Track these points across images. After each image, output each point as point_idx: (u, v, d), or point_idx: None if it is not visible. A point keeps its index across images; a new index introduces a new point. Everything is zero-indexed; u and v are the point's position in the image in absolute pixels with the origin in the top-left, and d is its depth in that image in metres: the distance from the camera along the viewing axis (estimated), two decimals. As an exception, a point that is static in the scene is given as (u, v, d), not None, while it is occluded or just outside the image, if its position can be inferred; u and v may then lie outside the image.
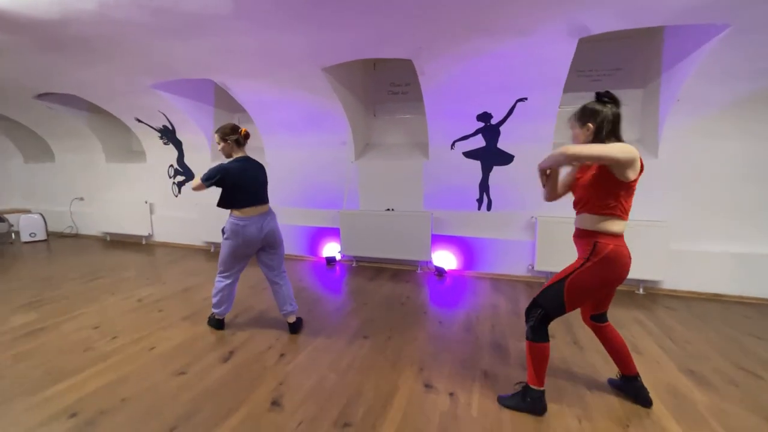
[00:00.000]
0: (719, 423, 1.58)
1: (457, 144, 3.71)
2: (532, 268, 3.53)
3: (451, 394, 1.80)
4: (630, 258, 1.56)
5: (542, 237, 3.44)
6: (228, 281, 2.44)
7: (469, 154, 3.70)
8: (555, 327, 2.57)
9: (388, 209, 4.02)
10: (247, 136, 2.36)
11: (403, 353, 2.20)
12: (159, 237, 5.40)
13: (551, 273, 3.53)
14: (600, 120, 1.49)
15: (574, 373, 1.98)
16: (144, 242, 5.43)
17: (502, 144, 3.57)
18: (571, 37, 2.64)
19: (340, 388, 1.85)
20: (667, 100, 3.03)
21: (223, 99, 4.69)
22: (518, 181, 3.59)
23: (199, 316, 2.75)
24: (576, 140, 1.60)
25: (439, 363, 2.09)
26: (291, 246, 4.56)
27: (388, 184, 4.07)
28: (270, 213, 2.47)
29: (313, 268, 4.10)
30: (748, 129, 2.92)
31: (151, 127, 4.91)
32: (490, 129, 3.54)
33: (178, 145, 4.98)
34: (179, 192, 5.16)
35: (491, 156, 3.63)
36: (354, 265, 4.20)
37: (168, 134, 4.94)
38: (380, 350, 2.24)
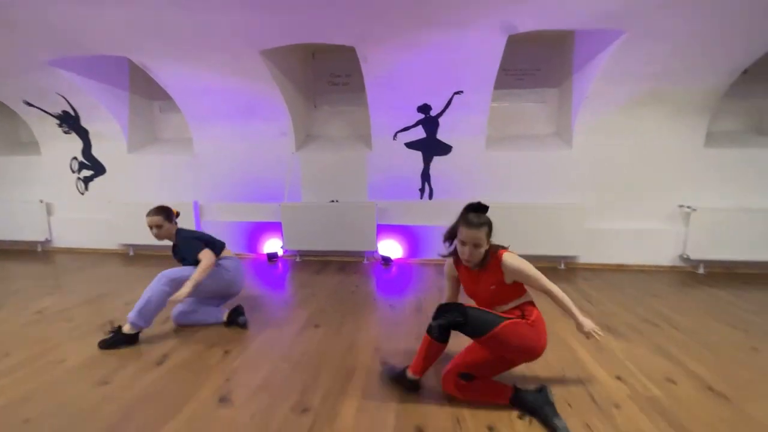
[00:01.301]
0: (633, 363, 1.85)
1: (399, 135, 3.80)
2: (472, 251, 3.75)
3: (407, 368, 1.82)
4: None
5: (480, 222, 3.68)
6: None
7: (410, 145, 3.81)
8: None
9: (333, 201, 3.96)
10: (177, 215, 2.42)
11: (357, 337, 2.18)
12: (61, 242, 4.61)
13: (488, 255, 3.79)
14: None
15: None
16: (40, 249, 4.59)
17: (441, 135, 3.75)
18: (502, 34, 2.88)
19: (294, 377, 1.76)
20: (578, 97, 3.45)
21: (140, 83, 4.18)
22: (456, 170, 3.80)
23: (121, 322, 2.40)
24: (479, 255, 1.50)
25: (394, 342, 2.11)
26: (227, 244, 4.23)
27: (332, 175, 4.01)
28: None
29: (253, 265, 3.85)
30: (641, 125, 3.46)
31: (47, 112, 4.18)
32: (429, 120, 3.69)
33: (84, 134, 4.32)
34: (86, 189, 4.47)
35: (431, 146, 3.79)
36: (298, 260, 4.05)
37: (70, 122, 4.24)
38: (334, 336, 2.19)
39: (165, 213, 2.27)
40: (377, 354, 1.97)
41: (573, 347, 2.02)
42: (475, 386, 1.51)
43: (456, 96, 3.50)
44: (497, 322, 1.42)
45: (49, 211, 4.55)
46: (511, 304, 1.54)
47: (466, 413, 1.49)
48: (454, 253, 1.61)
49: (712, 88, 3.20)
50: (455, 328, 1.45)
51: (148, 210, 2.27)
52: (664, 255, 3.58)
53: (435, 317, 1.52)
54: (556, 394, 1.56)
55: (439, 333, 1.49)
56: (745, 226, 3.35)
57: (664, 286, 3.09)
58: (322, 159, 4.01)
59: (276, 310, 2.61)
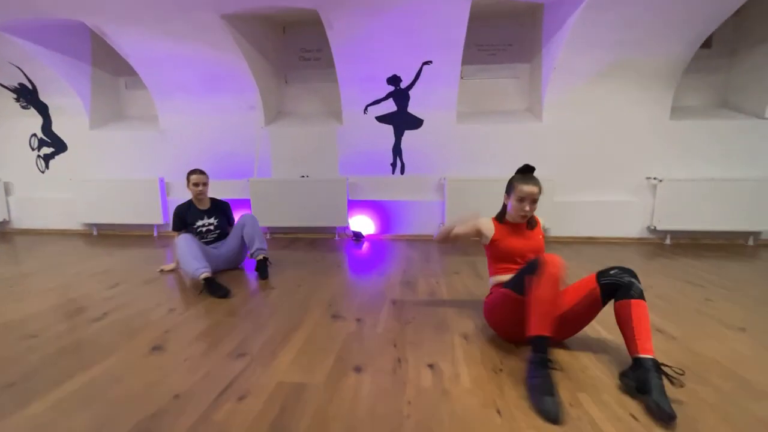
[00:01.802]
0: (597, 322, 1.82)
1: (369, 108, 3.74)
2: (442, 225, 3.72)
3: (358, 320, 1.77)
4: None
5: (451, 197, 3.64)
6: None
7: (381, 119, 3.76)
8: (461, 265, 2.74)
9: (303, 176, 3.88)
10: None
11: (312, 296, 2.11)
12: (20, 223, 4.42)
13: (460, 230, 3.76)
14: None
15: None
16: (-3, 230, 4.39)
17: (412, 109, 3.70)
18: (465, -3, 2.84)
19: (238, 329, 1.69)
20: (548, 71, 3.45)
21: (103, 56, 4.03)
22: (428, 144, 3.76)
23: (70, 287, 2.29)
24: (536, 202, 1.56)
25: (349, 300, 2.05)
26: (195, 222, 4.11)
27: (302, 150, 3.93)
28: None
29: (220, 242, 3.74)
30: (608, 98, 3.47)
31: (2, 85, 4.00)
32: (400, 93, 3.64)
33: (43, 109, 4.14)
34: (47, 167, 4.29)
35: (402, 120, 3.74)
36: (268, 236, 3.95)
37: (27, 96, 4.07)
38: (288, 296, 2.12)
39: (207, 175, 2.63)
40: (329, 310, 1.91)
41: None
42: None
43: (425, 67, 3.46)
44: None
45: (7, 190, 4.35)
46: None
47: (408, 354, 1.44)
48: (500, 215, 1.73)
49: (676, 58, 3.23)
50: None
51: (192, 169, 2.63)
52: (632, 227, 3.60)
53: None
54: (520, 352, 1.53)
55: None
56: (709, 197, 3.39)
57: (632, 255, 3.10)
58: (292, 134, 3.92)
59: (234, 279, 2.52)
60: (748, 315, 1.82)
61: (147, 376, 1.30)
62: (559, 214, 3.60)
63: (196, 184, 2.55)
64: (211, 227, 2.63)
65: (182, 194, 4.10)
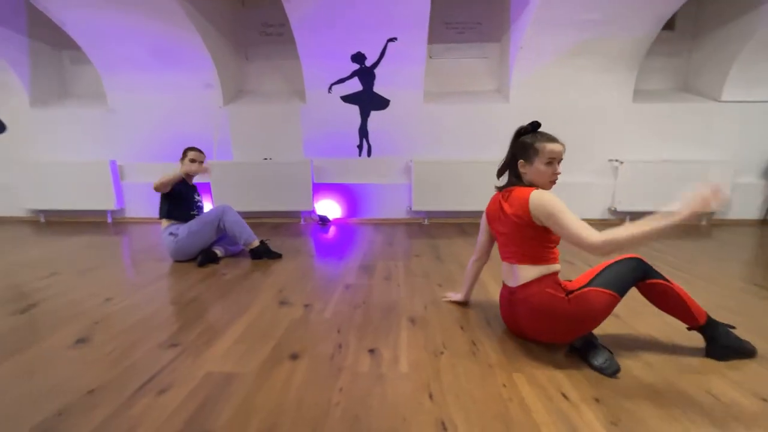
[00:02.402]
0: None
1: (334, 87, 3.59)
2: (410, 209, 3.68)
3: (306, 306, 1.71)
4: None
5: (418, 179, 3.59)
6: None
7: (347, 98, 3.62)
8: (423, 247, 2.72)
9: (266, 158, 3.73)
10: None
11: (263, 282, 2.03)
12: (-43, 210, 4.08)
13: (428, 212, 3.74)
14: None
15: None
16: (-68, 218, 4.05)
17: (379, 88, 3.58)
18: (427, -31, 2.71)
19: (176, 318, 1.60)
20: (515, 50, 3.39)
21: (43, 28, 3.68)
22: (395, 126, 3.66)
23: (0, 277, 2.12)
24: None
25: (301, 285, 1.99)
26: (151, 208, 3.91)
27: (264, 131, 3.76)
28: None
29: (179, 228, 3.57)
30: (573, 79, 3.46)
31: (-76, 56, 3.60)
32: (365, 71, 3.51)
33: (-25, 85, 3.77)
34: (-16, 148, 3.94)
35: (368, 100, 3.62)
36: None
37: (-45, 69, 3.68)
38: (238, 282, 2.03)
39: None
40: (279, 296, 1.84)
41: (484, 281, 1.99)
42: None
43: (390, 44, 3.34)
44: None
45: (-61, 174, 3.99)
46: None
47: (351, 339, 1.40)
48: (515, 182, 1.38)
49: (639, 39, 3.23)
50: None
51: (190, 146, 2.54)
52: (595, 208, 3.67)
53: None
54: (455, 316, 1.50)
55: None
56: (667, 179, 3.48)
57: (590, 236, 3.16)
58: (253, 114, 3.74)
59: (184, 266, 2.40)
60: (695, 293, 1.86)
61: (62, 371, 1.21)
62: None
63: (193, 160, 2.44)
64: (200, 204, 2.57)
65: (137, 178, 3.88)
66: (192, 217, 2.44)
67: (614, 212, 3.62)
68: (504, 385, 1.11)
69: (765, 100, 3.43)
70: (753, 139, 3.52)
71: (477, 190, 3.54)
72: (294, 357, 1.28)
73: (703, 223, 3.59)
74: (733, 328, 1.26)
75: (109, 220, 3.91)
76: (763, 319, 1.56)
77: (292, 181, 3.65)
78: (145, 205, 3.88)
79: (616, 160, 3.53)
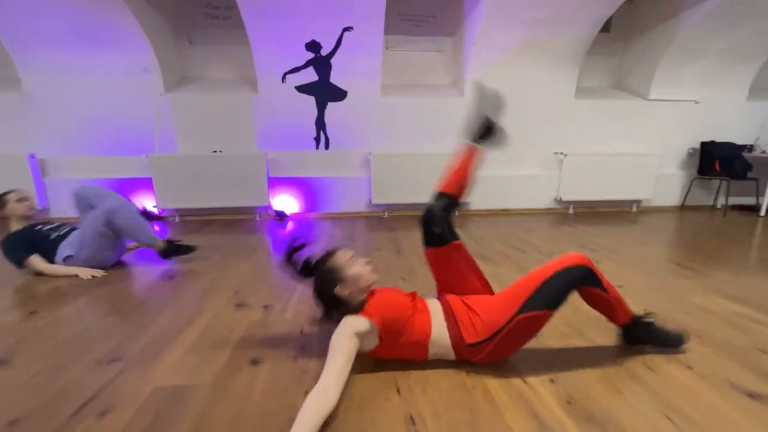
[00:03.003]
0: (494, 281, 1.90)
1: (288, 77, 3.44)
2: (370, 202, 3.67)
3: (265, 307, 1.64)
4: None
5: (377, 172, 3.58)
6: None
7: (302, 89, 3.49)
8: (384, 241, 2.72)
9: (215, 151, 3.49)
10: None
11: (218, 284, 1.91)
12: None
13: (387, 205, 3.74)
14: None
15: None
16: None
17: (335, 79, 3.49)
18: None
19: (116, 330, 1.45)
20: (470, 46, 3.46)
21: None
22: (353, 118, 3.60)
23: None
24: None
25: (260, 285, 1.90)
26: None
27: (213, 121, 3.51)
28: None
29: (117, 228, 3.24)
30: (521, 76, 3.62)
31: None
32: (320, 61, 3.40)
33: None
34: None
35: (325, 91, 3.52)
36: (177, 220, 3.54)
37: None
38: (188, 286, 1.89)
39: None
40: (235, 298, 1.74)
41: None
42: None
43: (346, 33, 3.25)
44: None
45: None
46: None
47: (314, 340, 1.36)
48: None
49: (580, 39, 3.45)
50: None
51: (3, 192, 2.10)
52: (542, 198, 3.91)
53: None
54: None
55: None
56: (603, 171, 3.80)
57: (539, 224, 3.37)
58: (199, 102, 3.47)
59: (123, 270, 2.19)
60: (626, 273, 2.06)
61: (-24, 401, 1.04)
62: (478, 188, 3.75)
63: (22, 199, 2.08)
64: (52, 227, 2.14)
65: (63, 173, 3.46)
66: (56, 243, 2.06)
67: (560, 202, 3.89)
68: (467, 374, 1.15)
69: (683, 99, 3.84)
70: (674, 135, 3.95)
71: (435, 182, 3.60)
72: (254, 362, 1.22)
73: (634, 210, 3.98)
74: (652, 314, 1.30)
75: (30, 221, 3.44)
76: (685, 295, 1.76)
77: (246, 176, 3.46)
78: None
79: (561, 153, 3.78)
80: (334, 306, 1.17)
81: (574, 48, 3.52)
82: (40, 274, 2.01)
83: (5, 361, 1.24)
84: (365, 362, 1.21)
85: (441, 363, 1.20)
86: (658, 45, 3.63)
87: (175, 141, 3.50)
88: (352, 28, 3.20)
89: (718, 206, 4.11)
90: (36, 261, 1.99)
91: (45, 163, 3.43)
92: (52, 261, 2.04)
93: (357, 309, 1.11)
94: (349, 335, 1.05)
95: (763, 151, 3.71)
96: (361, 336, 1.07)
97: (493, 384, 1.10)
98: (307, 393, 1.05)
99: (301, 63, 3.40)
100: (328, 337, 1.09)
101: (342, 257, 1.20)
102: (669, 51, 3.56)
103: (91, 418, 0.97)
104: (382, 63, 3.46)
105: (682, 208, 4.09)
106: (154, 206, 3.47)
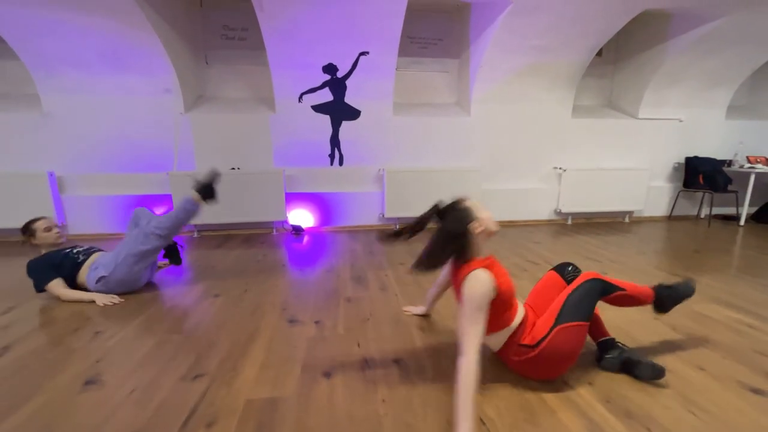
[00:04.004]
0: (518, 294, 2.10)
1: (304, 97, 3.59)
2: (383, 216, 3.83)
3: (317, 322, 1.78)
4: None
5: (390, 187, 3.75)
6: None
7: (317, 108, 3.65)
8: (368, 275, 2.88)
9: (233, 168, 3.60)
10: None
11: (262, 301, 2.04)
12: None
13: (400, 219, 3.92)
14: None
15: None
16: None
17: (349, 99, 3.66)
18: (402, -8, 2.87)
19: (186, 347, 1.56)
20: (475, 68, 3.70)
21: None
22: (366, 135, 3.78)
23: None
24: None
25: (302, 301, 2.03)
26: (97, 223, 3.56)
27: (231, 140, 3.62)
28: None
29: (138, 244, 3.31)
30: (523, 96, 3.88)
31: None
32: (336, 82, 3.56)
33: None
34: None
35: (340, 110, 3.68)
36: (196, 235, 3.62)
37: None
38: (235, 303, 2.01)
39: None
40: (284, 314, 1.87)
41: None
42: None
43: (362, 57, 3.43)
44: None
45: None
46: None
47: (373, 351, 1.51)
48: None
49: (577, 64, 3.73)
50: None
51: (29, 221, 2.15)
52: (543, 210, 4.16)
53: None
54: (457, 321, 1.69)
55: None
56: (599, 184, 4.07)
57: (543, 235, 3.60)
58: (218, 122, 3.58)
59: (166, 286, 2.29)
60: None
61: (86, 418, 1.15)
62: (486, 201, 3.97)
63: (49, 228, 2.11)
64: (78, 249, 2.19)
65: (80, 191, 3.50)
66: (80, 266, 2.11)
67: (559, 213, 4.14)
68: (519, 380, 1.32)
69: (669, 118, 4.17)
70: (661, 150, 4.27)
71: (445, 196, 3.80)
72: (327, 375, 1.36)
73: (626, 220, 4.27)
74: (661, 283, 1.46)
75: (47, 238, 3.47)
76: (686, 303, 1.98)
77: (264, 191, 3.58)
78: (91, 220, 3.52)
79: (560, 168, 4.04)
80: (458, 246, 1.25)
81: (572, 71, 3.79)
82: (57, 298, 2.03)
83: (95, 380, 1.34)
84: (426, 373, 1.37)
85: (493, 371, 1.37)
86: (646, 69, 3.95)
87: (193, 159, 3.59)
88: (368, 52, 3.39)
89: (702, 216, 4.45)
90: (56, 286, 2.00)
91: (63, 180, 3.47)
92: (77, 283, 2.10)
93: (475, 259, 1.25)
94: (486, 294, 1.15)
95: (741, 166, 4.06)
96: (491, 293, 1.17)
97: (542, 389, 1.28)
98: (384, 401, 1.21)
99: (318, 84, 3.56)
100: (385, 356, 1.24)
101: (474, 201, 1.30)
102: (656, 75, 3.87)
103: (201, 429, 1.10)
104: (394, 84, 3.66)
105: (670, 218, 4.41)
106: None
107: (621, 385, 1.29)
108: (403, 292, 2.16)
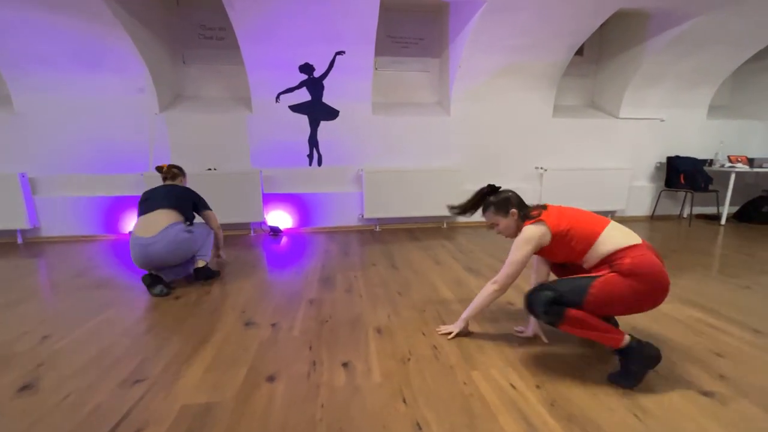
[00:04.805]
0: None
1: (281, 97, 3.56)
2: (362, 216, 3.80)
3: (273, 325, 1.74)
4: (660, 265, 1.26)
5: (369, 187, 3.72)
6: None
7: (295, 108, 3.61)
8: (378, 256, 2.85)
9: (210, 168, 3.56)
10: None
11: (223, 303, 2.00)
12: None
13: (379, 220, 3.89)
14: (516, 203, 1.50)
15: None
16: None
17: (327, 99, 3.63)
18: (374, -10, 2.84)
19: (134, 351, 1.53)
20: (454, 67, 3.68)
21: None
22: (344, 135, 3.75)
23: None
24: (507, 230, 1.51)
25: (264, 303, 2.00)
26: (72, 225, 3.51)
27: (208, 140, 3.59)
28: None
29: (110, 247, 3.27)
30: (504, 96, 3.86)
31: None
32: (313, 82, 3.54)
33: None
34: None
35: (318, 110, 3.65)
36: (171, 237, 3.57)
37: None
38: (195, 306, 1.97)
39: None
40: (242, 317, 1.84)
41: (437, 286, 2.19)
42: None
43: (339, 57, 3.41)
44: (586, 284, 1.26)
45: None
46: (590, 260, 1.35)
47: (324, 355, 1.48)
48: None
49: (556, 62, 3.71)
50: (555, 305, 1.26)
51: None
52: (525, 211, 4.13)
53: (529, 306, 1.32)
54: (416, 323, 1.66)
55: (549, 319, 1.27)
56: (581, 183, 4.06)
57: (523, 236, 3.57)
58: (194, 121, 3.54)
59: (127, 290, 2.24)
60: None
61: (11, 423, 1.11)
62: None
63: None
64: None
65: (53, 192, 3.46)
66: None
67: (541, 213, 4.12)
68: (464, 383, 1.29)
69: (650, 117, 4.16)
70: (643, 150, 4.26)
71: (425, 196, 3.78)
72: (270, 379, 1.33)
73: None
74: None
75: (20, 240, 3.42)
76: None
77: (241, 192, 3.54)
78: (65, 221, 3.47)
79: (541, 168, 4.02)
80: (518, 207, 1.49)
81: (551, 71, 3.78)
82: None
83: (32, 385, 1.30)
84: (372, 377, 1.34)
85: (438, 373, 1.34)
86: (626, 68, 3.94)
87: (169, 159, 3.55)
88: (344, 52, 3.36)
89: (685, 216, 4.44)
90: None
91: (36, 182, 3.42)
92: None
93: (534, 216, 1.43)
94: (526, 240, 1.39)
95: (722, 165, 4.06)
96: (536, 241, 1.38)
97: (487, 391, 1.25)
98: (323, 406, 1.18)
99: (295, 84, 3.53)
100: (334, 359, 1.20)
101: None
102: (637, 74, 3.86)
103: (127, 436, 1.06)
104: (372, 82, 3.63)
105: (653, 217, 4.40)
106: (148, 223, 3.50)
107: (570, 388, 1.27)
108: (368, 293, 2.13)
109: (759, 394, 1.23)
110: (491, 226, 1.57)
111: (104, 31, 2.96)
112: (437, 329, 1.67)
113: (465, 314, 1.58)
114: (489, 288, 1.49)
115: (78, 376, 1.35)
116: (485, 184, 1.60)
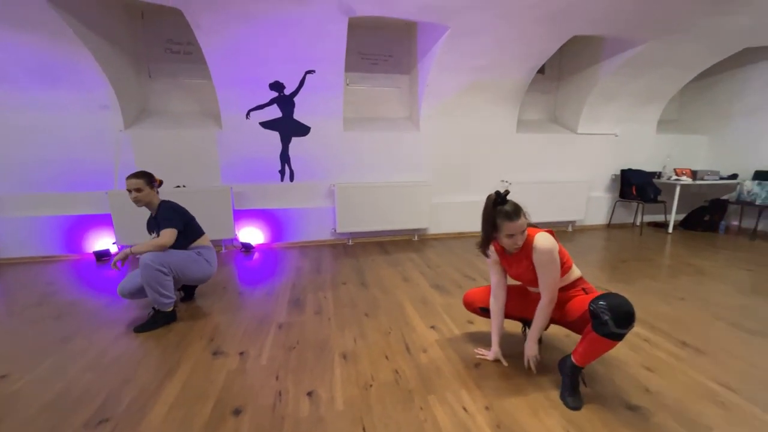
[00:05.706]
0: (447, 314, 2.19)
1: (252, 113, 3.57)
2: (335, 231, 3.86)
3: (241, 354, 1.78)
4: None
5: (341, 202, 3.79)
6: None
7: (266, 125, 3.63)
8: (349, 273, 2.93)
9: (178, 186, 3.52)
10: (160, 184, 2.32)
11: (190, 331, 2.02)
12: None
13: (352, 234, 3.96)
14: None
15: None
16: None
17: (298, 115, 3.67)
18: (342, 15, 2.91)
19: (98, 386, 1.53)
20: (423, 85, 3.80)
21: None
22: (316, 151, 3.79)
23: None
24: (524, 237, 1.50)
25: (233, 328, 2.03)
26: (32, 246, 3.38)
27: (176, 156, 3.54)
28: None
29: (74, 267, 3.18)
30: (470, 112, 4.02)
31: None
32: (284, 99, 3.56)
33: None
34: None
35: (289, 127, 3.68)
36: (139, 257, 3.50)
37: None
38: (160, 336, 1.98)
39: (146, 177, 2.16)
40: (211, 345, 1.87)
41: (404, 305, 2.29)
42: None
43: (309, 75, 3.45)
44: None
45: None
46: (564, 281, 1.52)
47: (289, 384, 1.54)
48: (487, 244, 1.62)
49: (519, 81, 3.91)
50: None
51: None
52: (492, 222, 4.31)
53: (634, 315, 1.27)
54: (380, 346, 1.75)
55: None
56: (544, 194, 4.28)
57: (489, 247, 3.73)
58: (161, 137, 3.49)
59: (92, 316, 2.21)
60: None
61: (-30, 476, 1.11)
62: (436, 214, 4.08)
63: (128, 191, 2.13)
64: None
65: (13, 212, 3.32)
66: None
67: (507, 224, 4.32)
68: (421, 408, 1.39)
69: (605, 132, 4.45)
70: (599, 163, 4.55)
71: (396, 210, 3.89)
72: (236, 413, 1.38)
73: (570, 229, 4.51)
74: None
75: (-27, 262, 3.26)
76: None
77: (211, 209, 3.52)
78: (25, 242, 3.34)
79: (506, 181, 4.22)
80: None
81: (515, 88, 3.98)
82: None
83: (-11, 431, 1.30)
84: (335, 405, 1.41)
85: (398, 399, 1.43)
86: (584, 87, 4.20)
87: (135, 176, 3.47)
88: (314, 71, 3.41)
89: (638, 224, 4.77)
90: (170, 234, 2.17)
91: (-9, 201, 3.27)
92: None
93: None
94: (553, 248, 1.46)
95: (669, 178, 4.39)
96: (556, 247, 1.48)
97: (441, 414, 1.35)
98: (286, 438, 1.24)
99: (265, 101, 3.54)
100: (300, 388, 1.27)
101: (511, 228, 1.47)
102: (593, 92, 4.13)
103: (90, 481, 1.09)
104: (343, 98, 3.70)
105: (609, 226, 4.70)
106: (113, 243, 3.43)
107: (518, 409, 1.39)
108: (337, 315, 2.20)
109: (677, 406, 1.40)
110: (521, 233, 1.46)
111: (65, 47, 2.88)
112: (477, 352, 1.74)
113: (533, 335, 1.56)
114: (547, 305, 1.49)
115: (40, 419, 1.35)
116: (490, 191, 1.58)
